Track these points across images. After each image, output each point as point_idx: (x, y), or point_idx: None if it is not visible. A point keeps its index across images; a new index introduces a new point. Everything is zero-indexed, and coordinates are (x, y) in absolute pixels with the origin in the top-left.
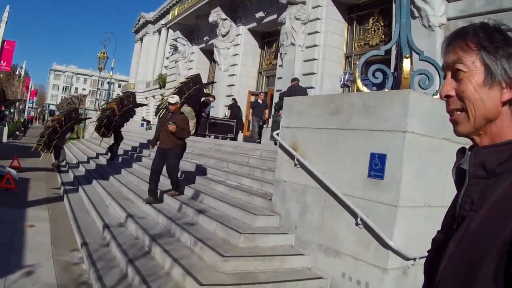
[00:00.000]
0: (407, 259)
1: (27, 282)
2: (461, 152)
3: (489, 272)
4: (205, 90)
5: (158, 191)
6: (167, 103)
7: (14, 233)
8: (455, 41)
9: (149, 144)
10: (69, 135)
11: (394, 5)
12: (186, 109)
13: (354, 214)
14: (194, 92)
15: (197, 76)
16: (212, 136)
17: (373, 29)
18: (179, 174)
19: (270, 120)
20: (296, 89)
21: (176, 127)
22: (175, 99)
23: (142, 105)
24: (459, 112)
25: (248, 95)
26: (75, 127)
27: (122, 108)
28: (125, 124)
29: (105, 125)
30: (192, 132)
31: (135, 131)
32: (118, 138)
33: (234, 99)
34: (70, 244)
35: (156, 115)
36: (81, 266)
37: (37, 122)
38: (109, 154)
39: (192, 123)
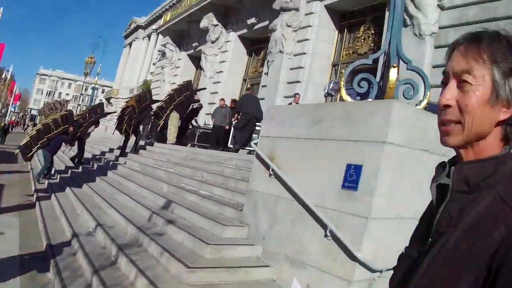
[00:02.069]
0: (374, 271)
1: None
2: (441, 166)
3: None
4: (195, 97)
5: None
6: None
7: None
8: (468, 48)
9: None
10: (93, 129)
11: (387, 13)
12: (173, 115)
13: (323, 226)
14: (184, 98)
15: (189, 83)
16: (189, 145)
17: (363, 37)
18: None
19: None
20: (247, 98)
21: None
22: None
23: (158, 101)
24: (453, 124)
25: (230, 103)
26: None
27: (141, 105)
28: (142, 120)
29: (127, 122)
30: (174, 141)
31: (113, 137)
32: (138, 133)
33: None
34: (37, 253)
35: (116, 129)
36: (47, 275)
37: (18, 127)
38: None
39: (174, 131)
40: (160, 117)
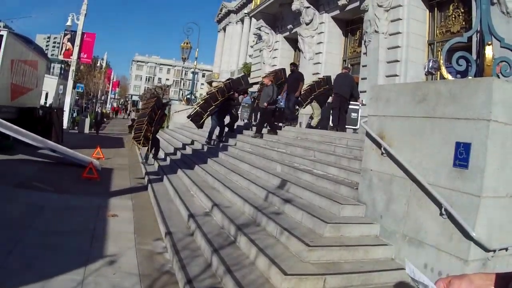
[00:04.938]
0: (488, 250)
1: (108, 270)
2: None
3: None
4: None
5: None
6: None
7: (97, 222)
8: None
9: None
10: (242, 99)
11: None
12: (314, 104)
13: (438, 204)
14: (324, 91)
15: (328, 78)
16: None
17: (453, 16)
18: None
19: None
20: (339, 77)
21: None
22: None
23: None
24: None
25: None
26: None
27: (277, 83)
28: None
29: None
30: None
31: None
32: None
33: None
34: (153, 234)
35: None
36: (164, 256)
37: (120, 113)
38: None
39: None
40: (301, 105)
